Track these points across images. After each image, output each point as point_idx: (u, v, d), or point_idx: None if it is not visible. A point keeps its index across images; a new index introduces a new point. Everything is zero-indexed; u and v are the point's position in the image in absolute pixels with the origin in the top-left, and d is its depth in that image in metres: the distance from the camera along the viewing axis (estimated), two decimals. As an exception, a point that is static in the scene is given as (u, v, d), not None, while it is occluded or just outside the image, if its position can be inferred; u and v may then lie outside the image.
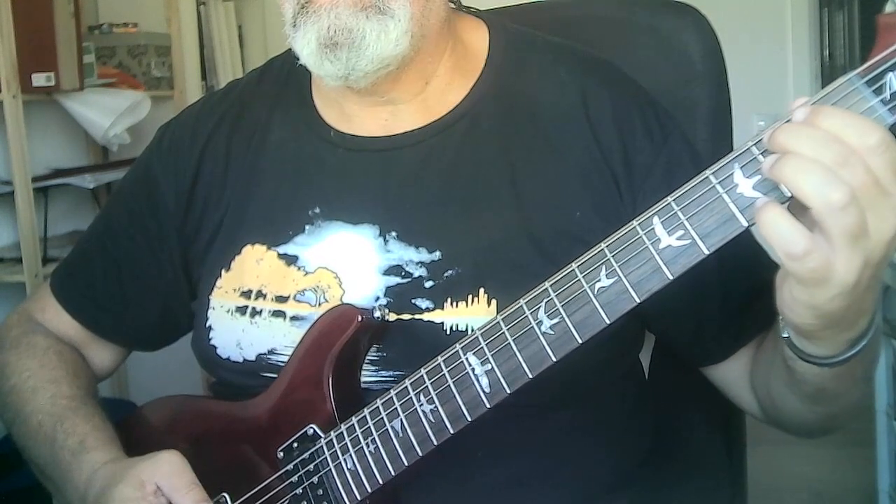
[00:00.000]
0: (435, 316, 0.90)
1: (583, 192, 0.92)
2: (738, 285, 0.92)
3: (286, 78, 1.05)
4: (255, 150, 1.02)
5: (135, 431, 1.02)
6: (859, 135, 0.62)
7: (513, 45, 1.00)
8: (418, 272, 0.92)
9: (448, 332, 0.89)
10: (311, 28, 0.88)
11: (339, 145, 0.98)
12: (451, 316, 0.90)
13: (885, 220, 0.63)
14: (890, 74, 0.63)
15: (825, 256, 0.63)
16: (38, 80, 2.20)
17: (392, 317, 0.91)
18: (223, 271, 0.99)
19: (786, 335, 0.76)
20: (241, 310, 0.97)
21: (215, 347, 0.99)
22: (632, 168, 0.93)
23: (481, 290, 0.90)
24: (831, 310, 0.67)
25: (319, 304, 0.94)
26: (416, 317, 0.91)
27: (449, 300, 0.90)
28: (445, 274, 0.91)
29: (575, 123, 0.95)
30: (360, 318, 0.89)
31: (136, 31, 2.75)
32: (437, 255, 0.92)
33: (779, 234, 0.63)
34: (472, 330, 0.82)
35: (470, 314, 0.89)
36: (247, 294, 0.97)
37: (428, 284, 0.91)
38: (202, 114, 1.07)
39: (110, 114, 2.40)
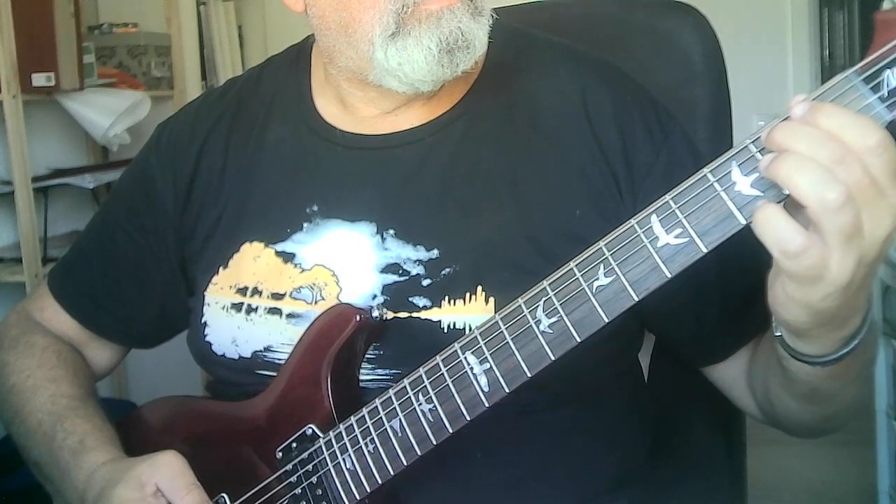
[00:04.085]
0: (432, 314, 0.90)
1: (582, 191, 0.92)
2: (738, 284, 0.92)
3: (285, 75, 1.05)
4: (254, 148, 1.02)
5: (133, 431, 1.02)
6: (859, 134, 0.62)
7: (513, 43, 1.00)
8: (416, 270, 0.92)
9: (445, 331, 0.89)
10: (428, 34, 0.86)
11: (338, 143, 0.98)
12: (449, 314, 0.89)
13: (881, 220, 0.63)
14: (887, 71, 0.62)
15: (821, 254, 0.63)
16: (38, 80, 2.20)
17: (389, 315, 0.91)
18: (221, 268, 0.99)
19: (778, 334, 0.76)
20: (237, 306, 0.97)
21: (210, 344, 0.99)
22: (632, 167, 0.93)
23: (479, 288, 0.89)
24: (824, 308, 0.67)
25: (316, 302, 0.94)
26: (414, 315, 0.90)
27: (446, 298, 0.90)
28: (443, 272, 0.91)
29: (575, 122, 0.94)
30: (358, 318, 0.89)
31: (136, 31, 2.76)
32: (434, 253, 0.92)
33: (775, 232, 0.63)
34: (470, 328, 0.81)
35: (468, 312, 0.89)
36: (242, 291, 0.97)
37: (425, 282, 0.91)
38: (200, 112, 1.07)
39: (110, 114, 2.40)
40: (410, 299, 0.91)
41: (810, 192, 0.62)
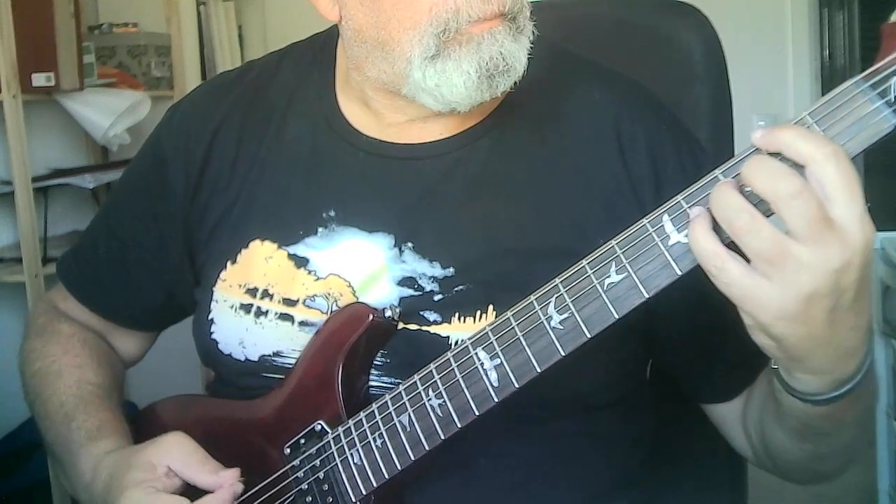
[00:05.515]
0: (442, 329, 0.90)
1: (606, 218, 0.90)
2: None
3: (308, 68, 1.02)
4: (270, 140, 0.99)
5: (143, 429, 1.01)
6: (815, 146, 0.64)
7: (548, 60, 0.95)
8: (430, 286, 0.91)
9: (453, 346, 0.87)
10: (468, 58, 0.84)
11: (361, 148, 0.96)
12: (458, 331, 0.89)
13: (827, 251, 0.64)
14: (894, 79, 0.64)
15: (738, 279, 0.66)
16: (38, 80, 2.20)
17: (400, 325, 0.90)
18: (228, 263, 0.98)
19: (775, 366, 0.76)
20: (246, 308, 0.96)
21: (216, 342, 0.98)
22: (662, 200, 0.92)
23: (490, 307, 0.89)
24: (780, 335, 0.68)
25: (331, 312, 0.93)
26: (423, 328, 0.90)
27: (457, 314, 0.89)
28: (456, 289, 0.90)
29: (606, 149, 0.93)
30: (371, 317, 0.89)
31: (136, 31, 2.76)
32: (450, 271, 0.91)
33: (697, 249, 0.67)
34: None
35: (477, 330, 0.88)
36: (252, 292, 0.96)
37: (437, 298, 0.90)
38: (215, 96, 1.04)
39: (110, 114, 2.40)
40: (421, 313, 0.90)
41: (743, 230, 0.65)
